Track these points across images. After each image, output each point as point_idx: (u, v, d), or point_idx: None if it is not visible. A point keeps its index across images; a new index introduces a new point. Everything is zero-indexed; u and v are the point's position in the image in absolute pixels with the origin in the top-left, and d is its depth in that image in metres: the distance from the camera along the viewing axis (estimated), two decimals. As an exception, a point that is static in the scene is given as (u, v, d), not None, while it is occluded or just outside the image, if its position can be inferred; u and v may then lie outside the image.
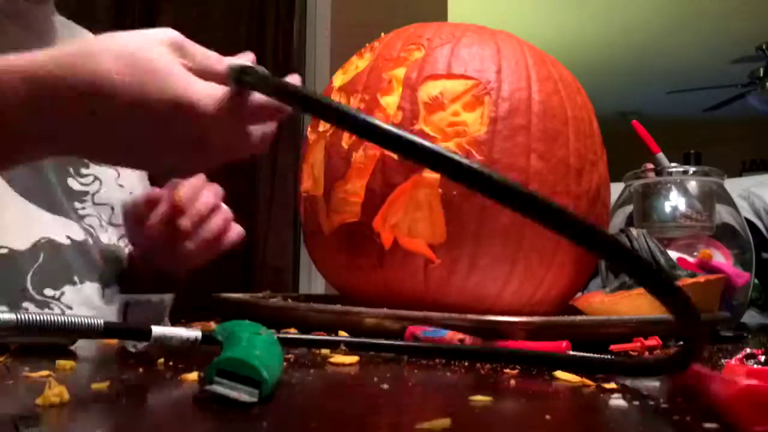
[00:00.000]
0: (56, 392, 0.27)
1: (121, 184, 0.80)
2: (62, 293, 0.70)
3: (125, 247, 0.80)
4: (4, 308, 0.64)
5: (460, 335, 0.49)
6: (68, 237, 0.72)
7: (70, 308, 0.70)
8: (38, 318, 0.36)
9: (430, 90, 0.59)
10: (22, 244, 0.68)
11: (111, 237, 0.78)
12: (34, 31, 0.75)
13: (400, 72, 0.61)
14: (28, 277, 0.68)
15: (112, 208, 0.78)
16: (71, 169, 0.76)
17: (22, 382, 0.32)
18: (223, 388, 0.29)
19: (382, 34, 0.70)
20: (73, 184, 0.75)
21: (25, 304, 0.67)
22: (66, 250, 0.71)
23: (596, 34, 4.57)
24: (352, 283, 0.64)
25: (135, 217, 0.71)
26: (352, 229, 0.60)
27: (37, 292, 0.68)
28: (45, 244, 0.69)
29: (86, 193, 0.76)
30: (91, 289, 0.73)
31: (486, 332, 0.50)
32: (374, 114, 0.60)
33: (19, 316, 0.36)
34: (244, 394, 0.28)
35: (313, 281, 1.81)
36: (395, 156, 0.58)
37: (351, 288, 0.65)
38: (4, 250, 0.67)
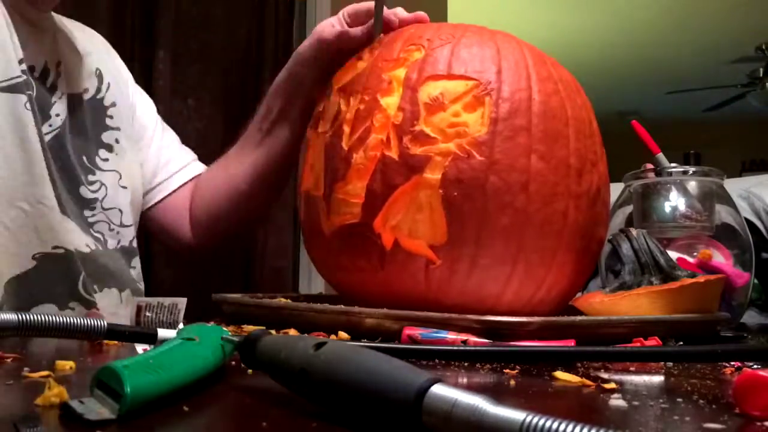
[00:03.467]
0: (56, 392, 0.27)
1: (123, 186, 0.82)
2: (99, 297, 0.75)
3: (136, 248, 0.84)
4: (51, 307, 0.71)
5: (464, 336, 0.49)
6: (87, 245, 0.76)
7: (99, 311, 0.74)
8: (41, 319, 0.36)
9: (430, 90, 0.59)
10: (78, 246, 0.73)
11: (123, 239, 0.82)
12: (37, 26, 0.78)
13: (401, 72, 0.61)
14: (81, 278, 0.72)
15: (121, 211, 0.81)
16: (82, 178, 0.78)
17: (22, 382, 0.32)
18: (80, 407, 0.25)
19: (381, 35, 0.70)
20: (85, 192, 0.78)
21: (72, 304, 0.72)
22: (87, 258, 0.74)
23: (596, 34, 4.57)
24: (352, 284, 0.64)
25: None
26: (352, 230, 0.60)
27: (86, 292, 0.73)
28: (75, 252, 0.73)
29: (95, 200, 0.79)
30: (111, 295, 0.77)
31: (486, 332, 0.50)
32: (374, 115, 0.60)
33: (21, 317, 0.36)
34: (106, 410, 0.25)
35: (313, 281, 1.81)
36: (396, 157, 0.58)
37: (351, 289, 0.65)
38: (61, 251, 0.71)
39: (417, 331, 0.50)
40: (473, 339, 0.49)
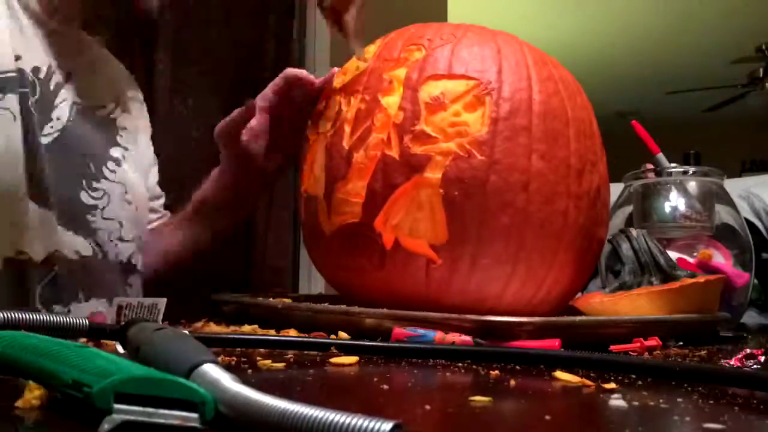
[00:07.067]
0: (36, 395, 0.26)
1: (128, 200, 0.81)
2: (69, 310, 0.71)
3: (137, 264, 0.82)
4: None
5: (453, 336, 0.48)
6: (77, 252, 0.73)
7: None
8: (22, 316, 0.36)
9: (431, 90, 0.59)
10: (38, 253, 0.68)
11: (121, 254, 0.79)
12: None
13: (401, 72, 0.61)
14: (38, 290, 0.68)
15: (120, 224, 0.79)
16: (84, 182, 0.76)
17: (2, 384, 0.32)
18: (146, 417, 0.22)
19: (379, 41, 0.69)
20: (85, 197, 0.76)
21: None
22: (75, 265, 0.72)
23: (596, 34, 4.57)
24: (352, 284, 0.64)
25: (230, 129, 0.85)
26: (353, 229, 0.60)
27: (46, 306, 0.69)
28: (58, 257, 0.70)
29: (95, 207, 0.76)
30: (96, 305, 0.74)
31: (486, 333, 0.50)
32: (375, 114, 0.60)
33: (4, 315, 0.36)
34: (179, 420, 0.22)
35: (313, 281, 1.80)
36: (396, 156, 0.58)
37: (351, 288, 0.65)
38: (25, 256, 0.67)
39: (404, 334, 0.49)
40: (462, 338, 0.48)
